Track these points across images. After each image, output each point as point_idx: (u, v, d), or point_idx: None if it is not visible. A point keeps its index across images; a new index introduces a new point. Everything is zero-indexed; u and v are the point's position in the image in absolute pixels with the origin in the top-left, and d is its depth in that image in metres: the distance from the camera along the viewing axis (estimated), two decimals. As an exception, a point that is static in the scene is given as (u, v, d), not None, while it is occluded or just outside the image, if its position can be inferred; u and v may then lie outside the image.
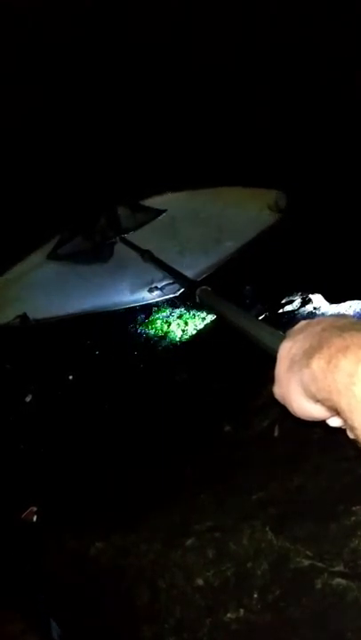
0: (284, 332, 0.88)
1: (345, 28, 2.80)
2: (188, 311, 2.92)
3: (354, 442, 0.65)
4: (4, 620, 2.14)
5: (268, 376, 2.40)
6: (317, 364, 0.65)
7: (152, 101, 3.01)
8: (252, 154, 2.92)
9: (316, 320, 0.74)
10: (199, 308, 2.92)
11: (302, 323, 0.77)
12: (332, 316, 0.75)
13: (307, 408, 0.72)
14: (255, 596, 1.54)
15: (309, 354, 0.67)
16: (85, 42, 2.85)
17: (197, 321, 2.88)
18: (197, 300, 1.57)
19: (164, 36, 2.91)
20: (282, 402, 0.77)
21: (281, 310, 2.70)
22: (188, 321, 2.89)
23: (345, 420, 0.65)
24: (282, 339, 0.81)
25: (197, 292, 1.56)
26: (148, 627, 1.80)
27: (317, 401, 0.68)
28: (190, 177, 3.08)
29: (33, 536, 2.32)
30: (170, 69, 2.92)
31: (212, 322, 2.86)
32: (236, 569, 1.62)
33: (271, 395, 2.35)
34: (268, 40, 2.88)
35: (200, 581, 1.69)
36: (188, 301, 2.95)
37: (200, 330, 2.85)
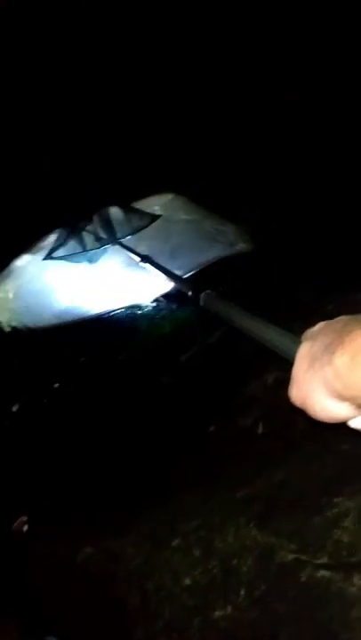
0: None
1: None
2: (172, 314, 2.93)
3: None
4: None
5: (249, 375, 2.40)
6: (341, 360, 0.59)
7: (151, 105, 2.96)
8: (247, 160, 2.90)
9: (336, 319, 0.69)
10: (183, 311, 2.92)
11: (321, 323, 0.71)
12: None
13: (331, 409, 0.65)
14: (242, 592, 1.55)
15: (331, 350, 0.62)
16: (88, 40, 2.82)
17: (181, 324, 2.89)
18: (201, 305, 1.49)
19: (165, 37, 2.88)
20: (301, 405, 0.70)
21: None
22: (172, 324, 2.90)
23: None
24: (295, 340, 0.75)
25: (202, 295, 1.48)
26: (138, 629, 1.80)
27: (345, 399, 0.62)
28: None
29: (22, 544, 2.31)
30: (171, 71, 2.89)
31: (194, 324, 2.87)
32: (222, 566, 1.63)
33: (254, 393, 2.36)
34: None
35: (188, 581, 1.70)
36: (174, 305, 2.94)
37: (183, 332, 2.86)
